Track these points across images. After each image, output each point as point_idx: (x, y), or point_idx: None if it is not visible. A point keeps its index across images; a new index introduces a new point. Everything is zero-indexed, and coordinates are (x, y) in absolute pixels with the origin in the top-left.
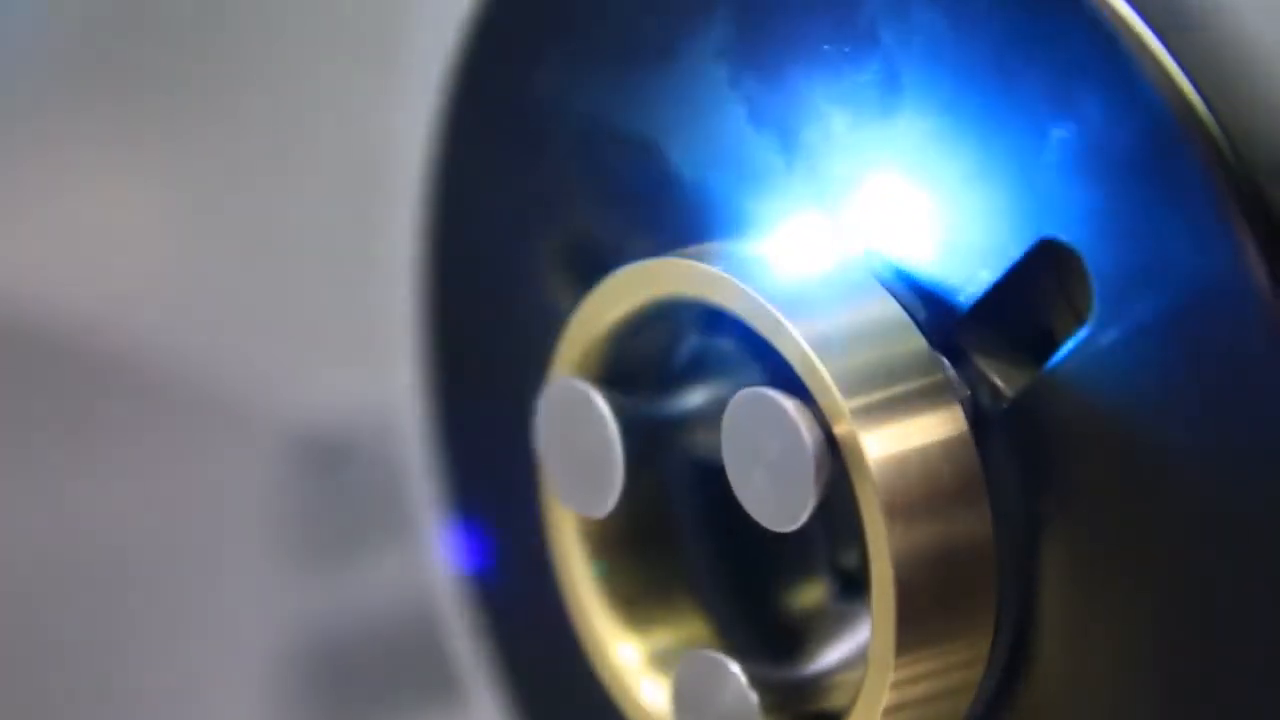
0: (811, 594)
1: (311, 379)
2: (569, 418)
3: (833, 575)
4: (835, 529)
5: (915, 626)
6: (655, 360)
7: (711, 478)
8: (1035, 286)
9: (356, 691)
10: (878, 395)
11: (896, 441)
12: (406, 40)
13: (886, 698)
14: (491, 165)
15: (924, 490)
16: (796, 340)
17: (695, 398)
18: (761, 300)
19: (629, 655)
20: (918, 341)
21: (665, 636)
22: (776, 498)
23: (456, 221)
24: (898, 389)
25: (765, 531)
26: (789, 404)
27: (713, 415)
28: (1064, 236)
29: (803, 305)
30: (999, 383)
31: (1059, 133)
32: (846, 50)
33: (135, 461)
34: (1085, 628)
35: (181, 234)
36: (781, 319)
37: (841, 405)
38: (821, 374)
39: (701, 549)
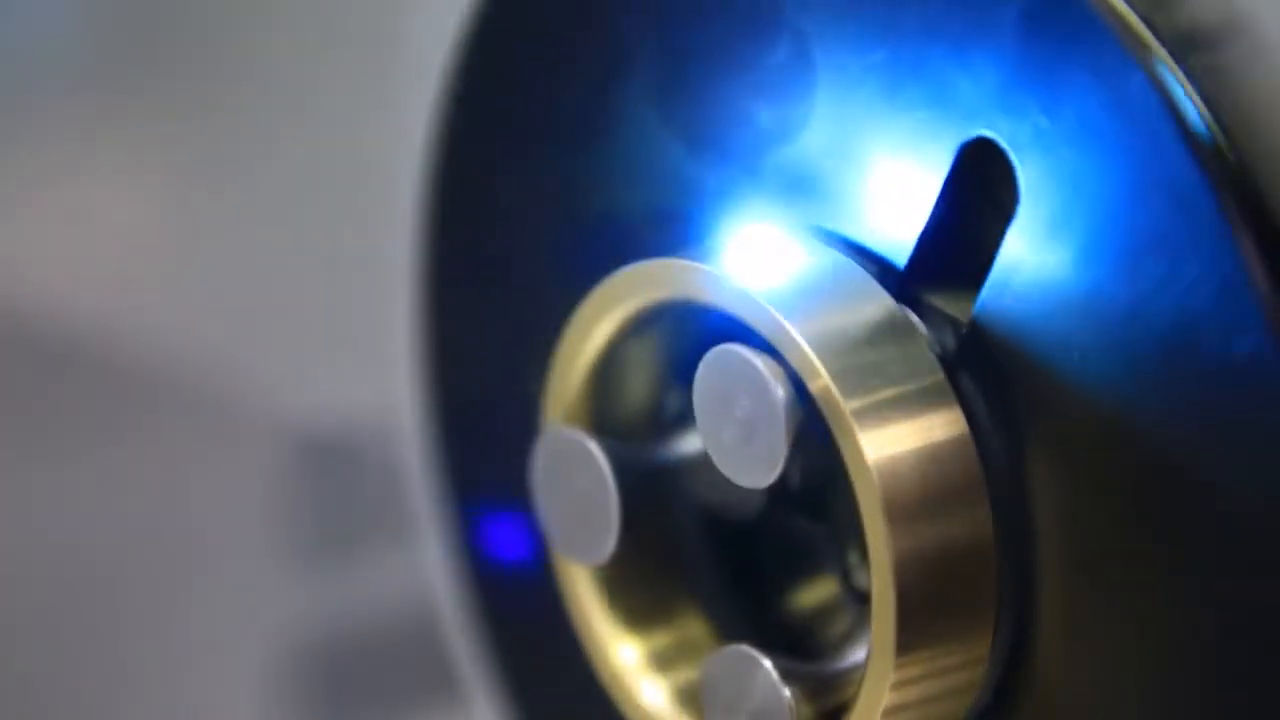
0: (817, 594)
1: (311, 380)
2: (564, 467)
3: (844, 571)
4: (837, 529)
5: (915, 627)
6: (647, 401)
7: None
8: (974, 214)
9: (357, 692)
10: (877, 396)
11: (896, 442)
12: (406, 40)
13: (886, 698)
14: (491, 165)
15: (924, 491)
16: (796, 341)
17: (692, 441)
18: (761, 301)
19: (629, 656)
20: (918, 341)
21: (665, 637)
22: (748, 454)
23: (456, 221)
24: (897, 389)
25: (765, 534)
26: (759, 360)
27: (707, 460)
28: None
29: (800, 306)
30: (955, 315)
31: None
32: (754, 39)
33: (134, 462)
34: (1085, 627)
35: (180, 235)
36: (781, 320)
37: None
38: (821, 375)
39: (702, 552)
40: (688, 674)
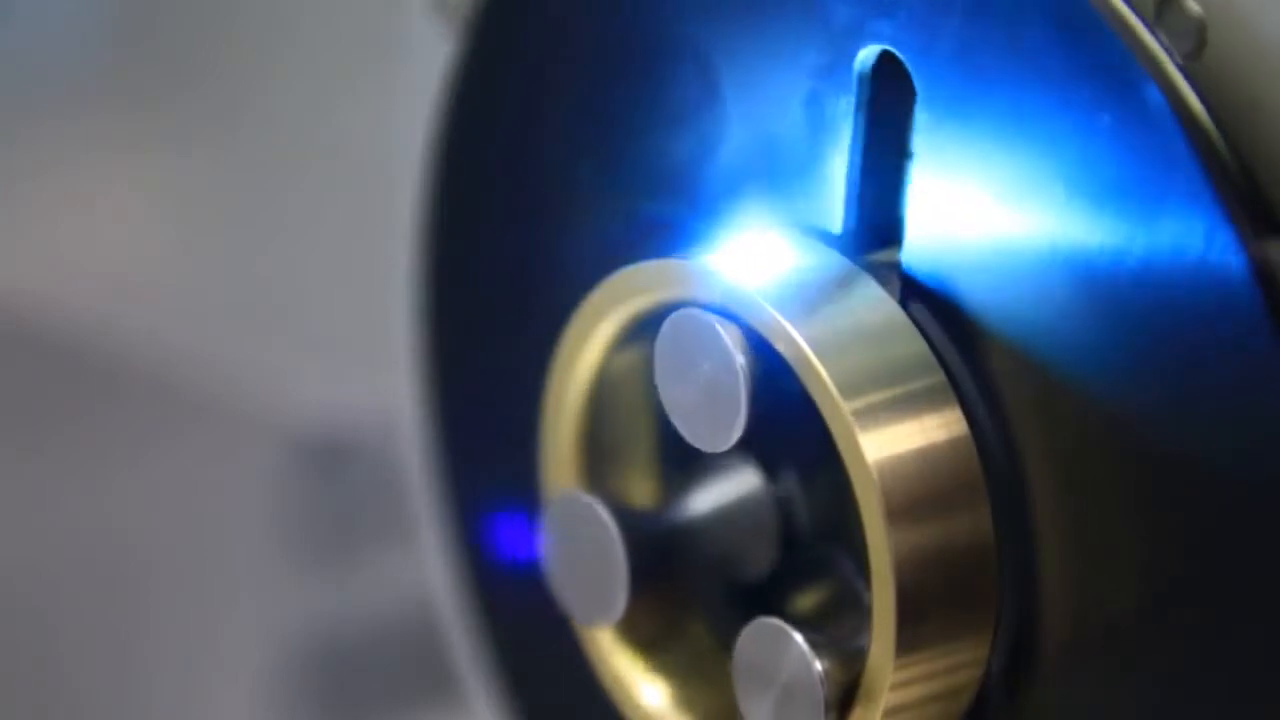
0: (818, 595)
1: (312, 381)
2: (573, 533)
3: (845, 572)
4: (845, 540)
5: (915, 627)
6: (647, 453)
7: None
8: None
9: (357, 691)
10: (878, 396)
11: (896, 442)
12: (406, 43)
13: (886, 698)
14: (491, 165)
15: (924, 491)
16: (797, 342)
17: (699, 500)
18: (761, 302)
19: (629, 656)
20: (918, 343)
21: (664, 637)
22: (708, 417)
23: (456, 223)
24: (897, 390)
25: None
26: (718, 324)
27: (716, 518)
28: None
29: (802, 307)
30: (889, 261)
31: None
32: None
33: (137, 463)
34: (1086, 626)
35: (182, 237)
36: (782, 320)
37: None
38: (821, 375)
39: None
40: (688, 675)
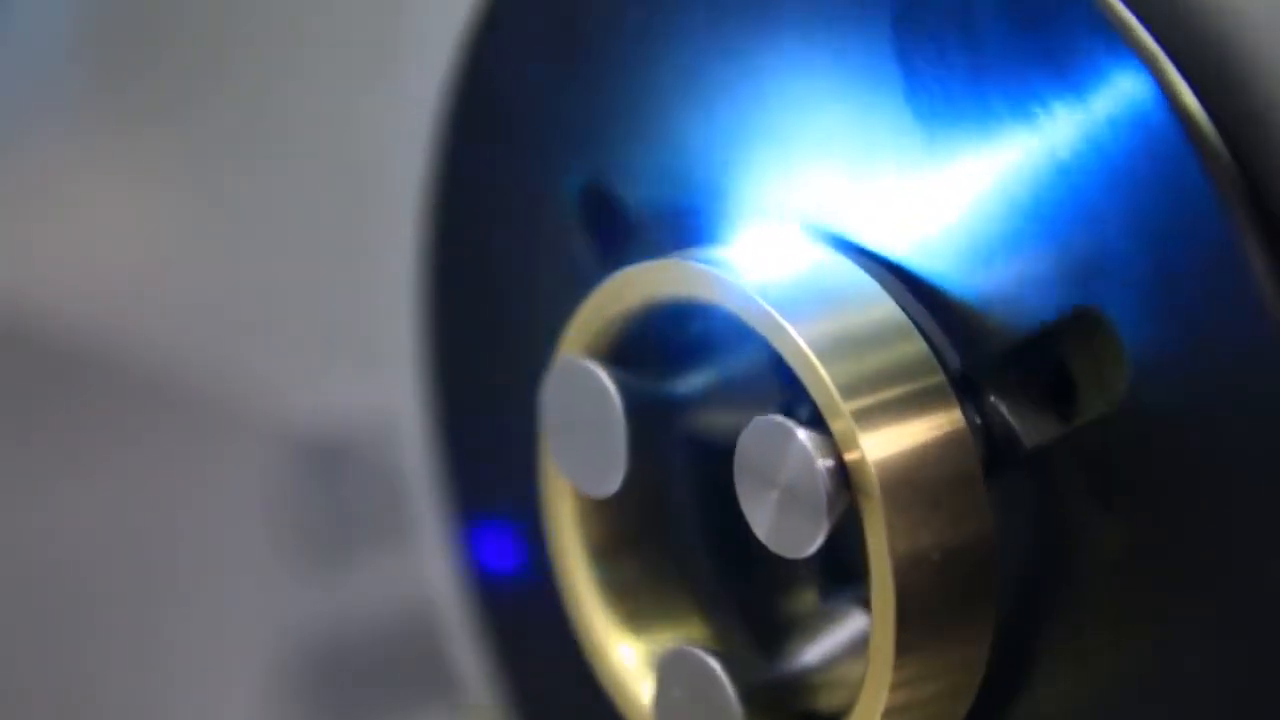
0: (803, 594)
1: (313, 382)
2: (575, 395)
3: (822, 576)
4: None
5: (915, 628)
6: (659, 343)
7: (713, 470)
8: (1064, 344)
9: (357, 692)
10: (878, 396)
11: (896, 442)
12: (407, 43)
13: (887, 699)
14: (491, 167)
15: (924, 491)
16: (797, 342)
17: (699, 379)
18: (761, 302)
19: (628, 656)
20: (918, 343)
21: (664, 637)
22: (789, 527)
23: (457, 223)
24: (898, 390)
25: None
26: (802, 434)
27: (718, 397)
28: (1100, 306)
29: (803, 308)
30: (1018, 430)
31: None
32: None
33: (136, 464)
34: (1087, 628)
35: (182, 237)
36: (782, 321)
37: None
38: (821, 376)
39: (700, 550)
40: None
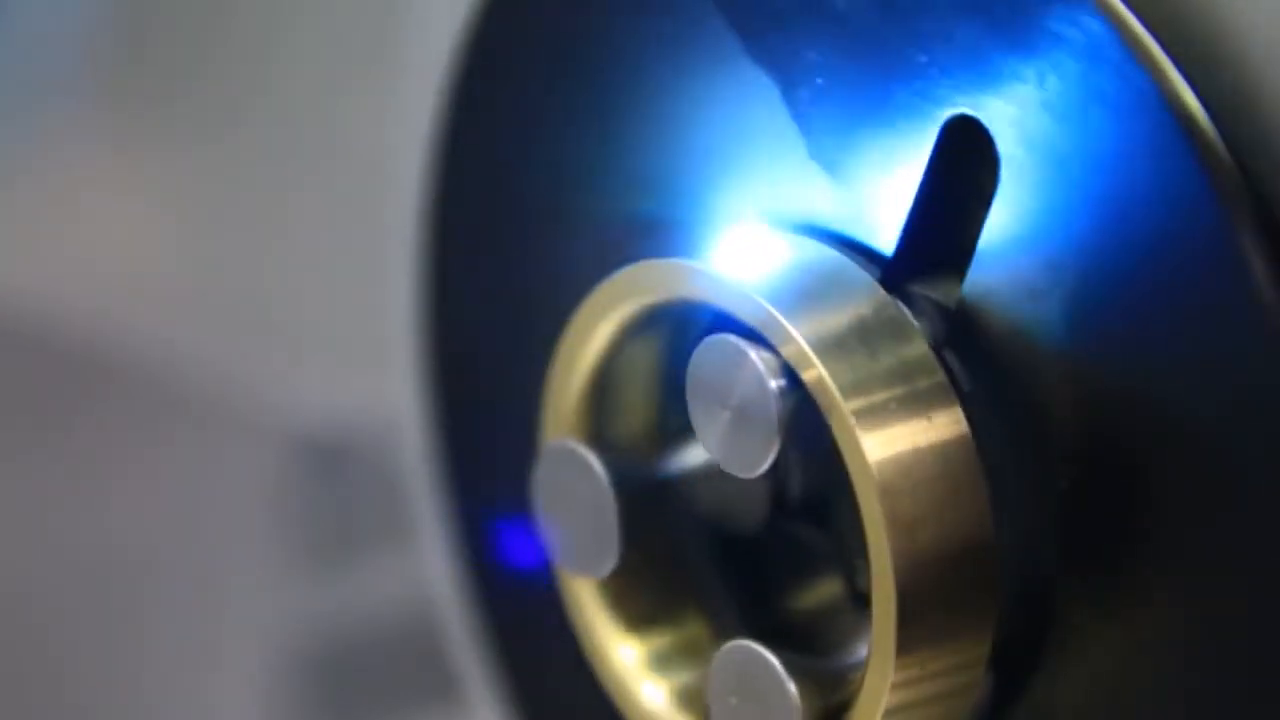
0: (818, 595)
1: (313, 381)
2: (565, 481)
3: (845, 572)
4: (839, 531)
5: (916, 628)
6: (647, 413)
7: (713, 479)
8: (957, 198)
9: (357, 692)
10: (878, 396)
11: (896, 442)
12: (407, 42)
13: (887, 699)
14: (492, 167)
15: (924, 491)
16: (797, 342)
17: (695, 454)
18: (762, 302)
19: (629, 656)
20: (918, 343)
21: (666, 638)
22: (740, 442)
23: (456, 223)
24: (898, 390)
25: (767, 538)
26: (752, 350)
27: (709, 473)
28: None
29: (802, 307)
30: (941, 300)
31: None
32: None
33: (136, 464)
34: (1088, 627)
35: (182, 237)
36: (782, 320)
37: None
38: (821, 375)
39: (702, 550)
40: (688, 675)
